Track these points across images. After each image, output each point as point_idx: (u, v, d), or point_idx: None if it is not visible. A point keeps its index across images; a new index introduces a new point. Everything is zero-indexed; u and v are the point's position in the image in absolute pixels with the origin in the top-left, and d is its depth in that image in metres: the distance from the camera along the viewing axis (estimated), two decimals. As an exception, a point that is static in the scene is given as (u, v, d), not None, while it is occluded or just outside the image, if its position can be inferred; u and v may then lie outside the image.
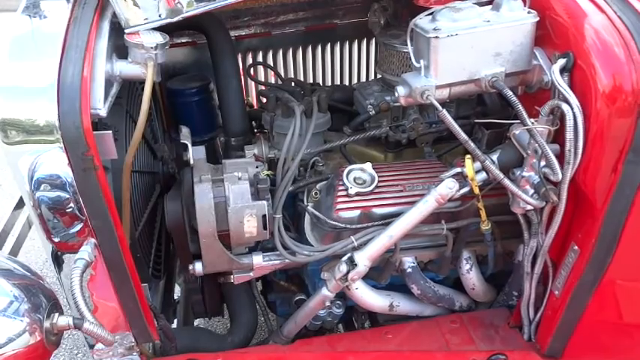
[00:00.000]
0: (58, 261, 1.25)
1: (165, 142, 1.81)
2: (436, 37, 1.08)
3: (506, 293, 1.56)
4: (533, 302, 1.39)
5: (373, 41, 2.26)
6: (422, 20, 1.13)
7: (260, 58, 2.11)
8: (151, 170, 1.49)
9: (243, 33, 2.04)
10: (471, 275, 1.49)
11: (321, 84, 2.19)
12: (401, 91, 1.16)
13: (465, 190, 1.24)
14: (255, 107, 2.15)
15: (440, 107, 1.10)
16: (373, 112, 1.51)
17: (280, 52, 2.13)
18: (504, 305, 1.58)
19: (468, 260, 1.48)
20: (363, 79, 2.33)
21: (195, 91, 1.79)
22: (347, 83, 2.30)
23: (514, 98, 1.09)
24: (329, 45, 2.19)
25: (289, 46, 2.13)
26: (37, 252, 3.05)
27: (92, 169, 1.04)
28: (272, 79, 2.17)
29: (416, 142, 1.56)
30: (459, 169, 1.23)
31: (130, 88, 1.39)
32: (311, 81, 2.21)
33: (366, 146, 1.64)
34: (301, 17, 2.07)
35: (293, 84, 1.64)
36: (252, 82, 2.16)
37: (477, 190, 1.21)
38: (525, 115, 1.08)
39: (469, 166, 1.18)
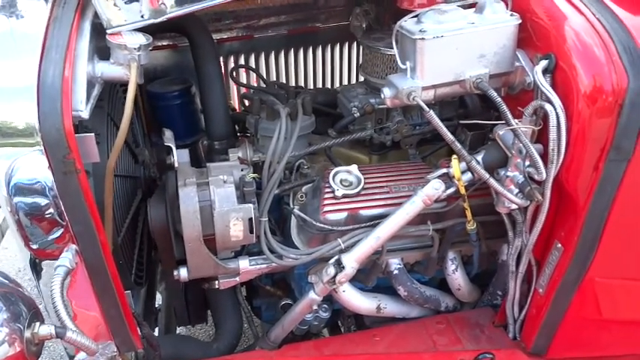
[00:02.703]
0: (36, 269, 1.21)
1: (146, 146, 1.77)
2: (422, 38, 1.09)
3: (490, 293, 1.58)
4: (518, 301, 1.40)
5: (355, 45, 2.27)
6: (407, 22, 1.14)
7: (242, 62, 2.09)
8: (132, 175, 1.46)
9: (225, 36, 2.02)
10: (457, 276, 1.50)
11: (304, 87, 2.19)
12: (387, 92, 1.17)
13: (451, 190, 1.25)
14: (238, 110, 2.13)
15: (427, 108, 1.11)
16: (358, 114, 1.51)
17: (262, 56, 2.12)
18: (489, 305, 1.59)
19: (454, 261, 1.49)
20: (345, 82, 2.34)
21: (176, 94, 1.77)
22: (329, 86, 2.30)
23: (498, 99, 1.10)
24: (311, 48, 2.19)
25: (271, 50, 2.13)
26: (9, 262, 2.96)
27: (73, 172, 1.01)
28: (254, 83, 2.16)
29: (400, 144, 1.57)
30: (444, 170, 1.24)
31: (110, 91, 1.36)
32: (294, 84, 2.20)
33: (351, 148, 1.64)
34: (283, 20, 2.07)
35: (277, 87, 1.63)
36: (234, 86, 2.15)
37: (463, 190, 1.22)
38: (510, 116, 1.10)
39: (455, 167, 1.19)
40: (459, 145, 1.14)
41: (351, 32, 1.93)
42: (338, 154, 1.63)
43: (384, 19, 1.96)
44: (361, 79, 2.37)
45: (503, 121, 1.17)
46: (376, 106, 1.53)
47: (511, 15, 1.15)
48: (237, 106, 2.17)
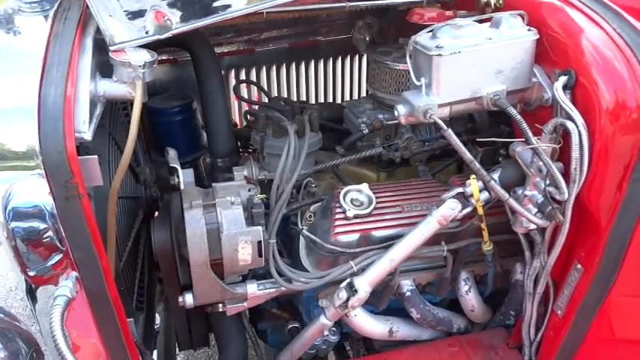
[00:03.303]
0: (32, 295, 1.15)
1: (146, 164, 1.72)
2: (439, 54, 1.05)
3: (503, 313, 1.53)
4: (535, 322, 1.36)
5: (357, 58, 2.24)
6: (422, 38, 1.11)
7: (243, 76, 2.05)
8: (133, 195, 1.40)
9: (226, 50, 1.98)
10: (470, 297, 1.45)
11: (307, 101, 2.15)
12: (401, 109, 1.13)
13: (468, 210, 1.21)
14: (239, 126, 2.08)
15: (445, 126, 1.07)
16: (366, 130, 1.47)
17: (264, 69, 2.08)
18: (501, 325, 1.55)
19: (467, 281, 1.45)
20: (347, 96, 2.30)
21: (177, 110, 1.72)
22: (331, 100, 2.27)
23: (518, 117, 1.07)
24: (313, 62, 2.16)
25: (273, 63, 2.09)
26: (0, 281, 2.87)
27: (76, 197, 0.96)
28: (255, 98, 2.12)
29: (409, 160, 1.52)
30: (460, 189, 1.20)
31: (112, 109, 1.31)
32: (295, 98, 2.16)
33: (358, 165, 1.60)
34: (285, 34, 2.03)
35: (281, 102, 1.59)
36: (235, 100, 2.10)
37: (481, 211, 1.17)
38: (531, 134, 1.06)
39: (474, 187, 1.14)
40: (477, 165, 1.10)
41: (353, 45, 1.90)
42: (345, 171, 1.58)
43: (387, 32, 1.93)
44: (362, 92, 2.39)
45: (521, 139, 1.13)
46: (385, 122, 1.49)
47: (528, 30, 1.11)
48: (238, 122, 2.13)
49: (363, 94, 2.31)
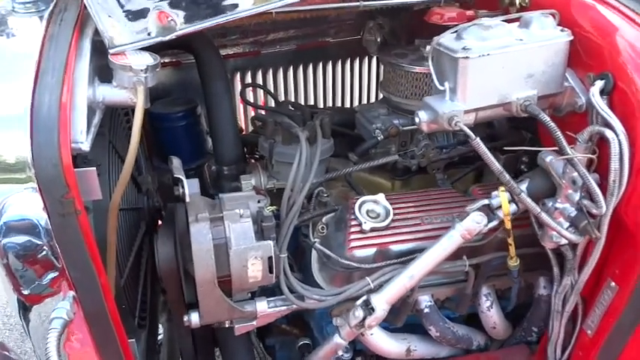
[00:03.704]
0: (26, 315, 1.07)
1: (148, 172, 1.64)
2: (466, 57, 0.97)
3: (524, 329, 1.45)
4: (562, 341, 1.28)
5: (367, 60, 2.16)
6: (446, 39, 1.02)
7: (248, 79, 1.97)
8: (135, 206, 1.32)
9: (231, 52, 1.90)
10: (492, 313, 1.37)
11: (315, 105, 2.07)
12: (423, 116, 1.05)
13: (494, 224, 1.12)
14: (245, 131, 2.01)
15: (473, 135, 0.99)
16: (381, 137, 1.39)
17: (270, 72, 2.00)
18: (522, 341, 1.47)
19: (488, 297, 1.36)
20: (357, 99, 2.22)
21: (181, 115, 1.64)
22: (340, 104, 2.19)
23: (552, 124, 0.99)
24: (321, 64, 2.08)
25: (279, 66, 2.01)
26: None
27: (73, 214, 0.88)
28: (261, 102, 2.04)
29: (426, 168, 1.44)
30: (485, 201, 1.12)
31: (112, 116, 1.23)
32: (302, 102, 2.09)
33: (372, 173, 1.52)
34: (292, 35, 1.95)
35: (291, 107, 1.51)
36: (240, 104, 2.02)
37: (509, 225, 1.09)
38: (565, 144, 0.98)
39: (504, 200, 1.06)
40: (507, 176, 1.02)
41: (363, 47, 1.82)
42: (357, 179, 1.50)
43: (399, 33, 1.85)
44: (371, 96, 2.31)
45: (551, 148, 1.05)
46: (401, 128, 1.41)
47: (561, 30, 1.03)
48: (243, 126, 2.05)
49: (373, 97, 2.24)
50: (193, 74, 1.55)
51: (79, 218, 0.89)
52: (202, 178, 1.72)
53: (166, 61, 1.78)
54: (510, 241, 1.14)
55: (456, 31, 1.03)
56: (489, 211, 1.13)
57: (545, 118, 0.99)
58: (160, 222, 1.54)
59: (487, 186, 1.36)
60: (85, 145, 0.91)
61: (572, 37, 1.03)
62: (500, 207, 1.10)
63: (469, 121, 1.04)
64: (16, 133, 0.87)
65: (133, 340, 1.18)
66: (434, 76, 1.05)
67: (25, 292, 1.04)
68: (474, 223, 1.11)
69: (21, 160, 0.86)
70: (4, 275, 0.99)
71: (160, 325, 1.89)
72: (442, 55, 1.03)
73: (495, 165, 1.01)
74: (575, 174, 1.01)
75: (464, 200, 1.30)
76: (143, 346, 1.51)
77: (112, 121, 1.21)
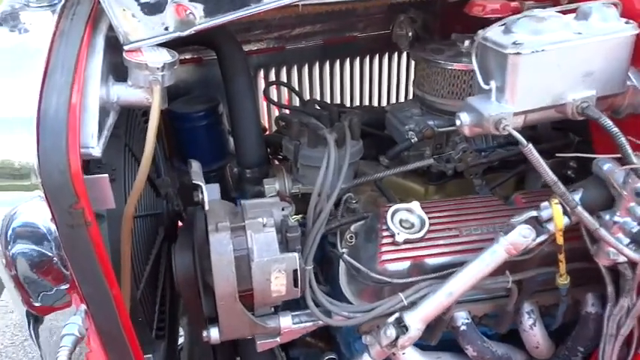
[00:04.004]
0: (36, 328, 1.01)
1: (168, 173, 1.57)
2: (517, 53, 0.86)
3: (569, 348, 1.32)
4: (614, 366, 1.16)
5: (396, 56, 2.05)
6: (493, 33, 0.92)
7: (272, 76, 1.89)
8: (153, 212, 1.25)
9: (254, 48, 1.82)
10: (535, 332, 1.26)
11: (342, 104, 1.97)
12: (465, 118, 0.94)
13: (542, 238, 1.01)
14: (268, 130, 1.92)
15: (524, 141, 0.88)
16: (415, 139, 1.29)
17: (295, 69, 1.91)
18: (566, 361, 1.35)
19: (531, 314, 1.25)
20: (385, 97, 2.11)
21: (202, 114, 1.57)
22: (368, 102, 2.08)
23: (615, 129, 0.87)
24: (348, 60, 1.98)
25: (305, 62, 1.92)
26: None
27: (82, 225, 0.81)
28: (285, 100, 1.96)
29: (464, 173, 1.34)
30: (534, 213, 1.01)
31: (129, 116, 1.16)
32: (328, 100, 1.99)
33: (404, 177, 1.42)
34: (318, 30, 1.86)
35: (317, 106, 1.42)
36: (264, 102, 1.94)
37: (561, 241, 0.98)
38: (630, 151, 0.86)
39: (557, 214, 0.95)
40: (562, 187, 0.91)
41: (392, 42, 1.72)
42: (388, 184, 1.40)
43: (432, 27, 1.74)
44: (400, 93, 2.20)
45: (611, 155, 0.94)
46: (436, 130, 1.30)
47: (626, 23, 0.91)
48: (266, 125, 1.97)
49: (402, 96, 2.13)
50: (215, 71, 1.48)
51: (89, 230, 0.82)
52: (224, 180, 1.65)
53: (187, 57, 1.71)
54: (561, 257, 1.03)
55: (504, 24, 0.92)
56: (537, 223, 1.02)
57: (608, 122, 0.87)
58: (180, 225, 1.48)
59: (531, 194, 1.25)
60: (96, 150, 0.84)
61: (638, 31, 0.91)
62: (550, 219, 0.99)
63: (517, 124, 0.94)
64: (23, 137, 0.80)
65: (150, 355, 1.11)
66: (478, 75, 0.94)
67: (36, 304, 0.99)
68: (521, 237, 1.00)
69: (27, 166, 0.80)
70: (12, 287, 0.93)
71: (180, 328, 1.84)
72: (488, 51, 0.92)
73: (549, 175, 0.90)
74: (639, 185, 0.89)
75: (506, 210, 1.19)
76: (163, 354, 1.45)
77: (129, 121, 1.15)
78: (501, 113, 0.89)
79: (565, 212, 0.98)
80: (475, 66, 0.95)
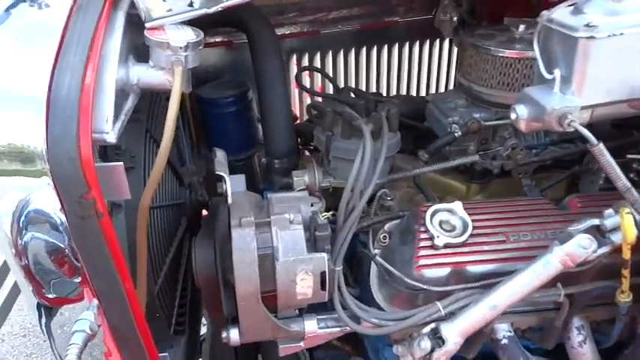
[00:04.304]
0: (48, 323, 0.96)
1: (194, 161, 1.50)
2: (590, 37, 0.74)
3: (622, 367, 1.20)
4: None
5: (438, 43, 1.92)
6: (561, 14, 0.80)
7: (306, 62, 1.79)
8: (175, 202, 1.19)
9: (288, 32, 1.73)
10: (585, 350, 1.14)
11: (379, 93, 1.86)
12: (522, 112, 0.83)
13: (604, 251, 0.89)
14: (299, 119, 1.84)
15: (594, 139, 0.77)
16: (459, 133, 1.17)
17: (330, 55, 1.81)
18: (616, 382, 1.22)
19: (581, 330, 1.13)
20: (424, 87, 1.99)
21: (231, 100, 1.49)
22: (405, 92, 1.97)
23: None
24: (386, 47, 1.86)
25: (340, 48, 1.82)
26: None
27: (94, 217, 0.74)
28: (318, 88, 1.86)
29: (511, 172, 1.22)
30: (596, 221, 0.89)
31: (151, 100, 1.09)
32: (364, 89, 1.89)
33: (443, 174, 1.31)
34: (356, 14, 1.76)
35: (353, 95, 1.32)
36: (295, 89, 1.85)
37: (628, 255, 0.86)
38: None
39: (628, 225, 0.83)
40: (636, 195, 0.79)
41: (434, 28, 1.60)
42: (426, 180, 1.30)
43: (480, 11, 1.61)
44: (441, 83, 2.07)
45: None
46: (483, 124, 1.18)
47: None
48: (297, 113, 1.88)
49: (442, 86, 2.00)
50: (246, 55, 1.40)
51: (100, 221, 0.75)
52: (252, 170, 1.58)
53: (217, 40, 1.64)
54: (625, 273, 0.91)
55: (573, 4, 0.80)
56: (599, 233, 0.90)
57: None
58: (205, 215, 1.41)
59: (588, 198, 1.12)
60: (111, 136, 0.77)
61: None
62: (615, 229, 0.87)
63: (584, 119, 0.82)
64: (33, 119, 0.74)
65: (166, 354, 1.05)
66: (539, 62, 0.83)
67: (50, 296, 0.94)
68: (580, 248, 0.88)
69: (35, 151, 0.73)
70: (22, 279, 0.88)
71: (204, 318, 1.79)
72: (554, 35, 0.80)
73: (622, 180, 0.78)
74: None
75: (560, 215, 1.07)
76: (182, 350, 1.39)
77: (152, 105, 1.08)
78: (566, 107, 0.78)
79: (636, 223, 0.86)
80: (537, 52, 0.83)
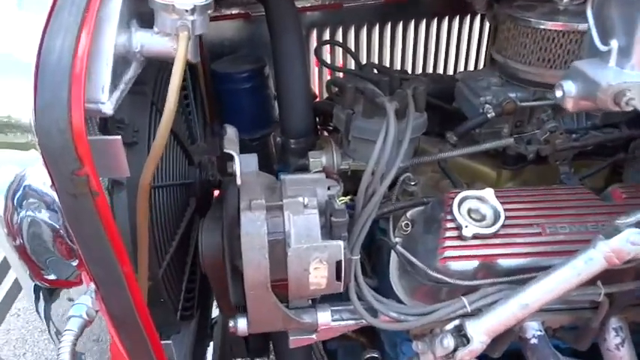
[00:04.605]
0: (47, 308, 0.91)
1: (207, 139, 1.43)
2: (657, -1, 0.63)
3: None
4: None
5: (469, 17, 1.80)
6: (620, -26, 0.69)
7: (327, 37, 1.70)
8: (183, 182, 1.12)
9: (308, 4, 1.63)
10: (623, 353, 1.04)
11: (405, 71, 1.76)
12: (570, 88, 0.73)
13: (657, 247, 0.79)
14: (318, 97, 1.75)
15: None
16: (492, 114, 1.07)
17: (352, 30, 1.71)
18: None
19: (619, 332, 1.03)
20: (452, 65, 1.87)
21: (246, 75, 1.42)
22: (431, 70, 1.86)
23: None
24: (413, 21, 1.75)
25: (363, 23, 1.71)
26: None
27: (87, 195, 0.67)
28: (340, 65, 1.77)
29: (548, 158, 1.11)
30: (647, 214, 0.79)
31: (159, 71, 1.01)
32: (387, 66, 1.78)
33: (472, 159, 1.21)
34: (381, -14, 1.65)
35: (377, 71, 1.22)
36: (315, 67, 1.76)
37: (685, 253, 0.76)
38: None
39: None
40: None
41: (465, 2, 1.48)
42: (453, 165, 1.20)
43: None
44: (470, 61, 1.95)
45: None
46: (519, 104, 1.08)
47: None
48: (317, 92, 1.79)
49: (472, 65, 1.88)
50: (264, 29, 1.31)
51: (95, 201, 0.68)
52: (267, 150, 1.51)
53: (234, 12, 1.55)
54: (680, 273, 0.81)
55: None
56: (650, 228, 0.80)
57: None
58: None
59: (634, 188, 1.02)
60: (107, 106, 0.69)
61: None
62: (669, 225, 0.77)
63: (640, 97, 0.71)
64: (22, 85, 0.67)
65: (170, 341, 1.00)
66: (593, 31, 0.72)
67: (50, 277, 0.88)
68: (628, 244, 0.78)
69: (23, 121, 0.67)
70: (17, 261, 0.83)
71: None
72: (611, 1, 0.69)
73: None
74: None
75: (603, 206, 0.97)
76: (191, 335, 1.34)
77: (159, 78, 1.00)
78: (624, 82, 0.67)
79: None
80: (590, 19, 0.73)
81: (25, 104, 0.66)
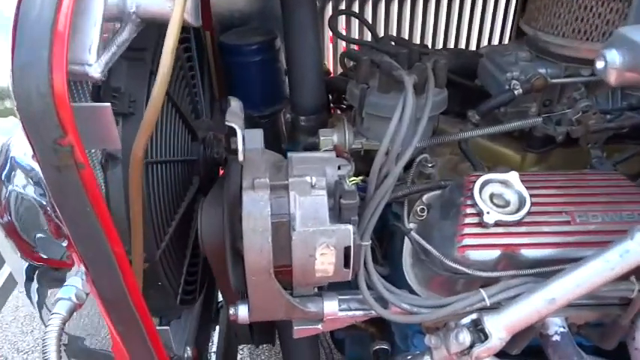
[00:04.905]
0: (41, 291, 0.86)
1: (214, 115, 1.37)
2: None
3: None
4: None
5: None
6: None
7: (342, 8, 1.61)
8: (185, 159, 1.06)
9: (324, -26, 1.55)
10: (653, 353, 0.96)
11: (425, 45, 1.66)
12: (614, 58, 0.64)
13: None
14: (332, 74, 1.67)
15: None
16: (520, 90, 0.98)
17: (370, 2, 1.61)
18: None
19: (650, 330, 0.96)
20: (474, 41, 1.77)
21: (255, 48, 1.34)
22: (452, 45, 1.76)
23: None
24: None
25: (382, -6, 1.62)
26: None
27: (72, 167, 0.61)
28: (356, 37, 1.68)
29: (580, 140, 1.02)
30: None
31: (159, 37, 0.94)
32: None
33: (494, 140, 1.13)
34: (400, -46, 1.55)
35: (394, 44, 1.14)
36: (330, 41, 1.68)
37: None
38: None
39: None
40: None
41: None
42: (474, 146, 1.12)
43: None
44: (494, 36, 1.85)
45: None
46: (549, 81, 0.99)
47: None
48: (331, 68, 1.71)
49: (496, 39, 1.77)
50: (276, 1, 1.23)
51: (81, 174, 0.62)
52: (277, 128, 1.44)
53: (245, -19, 1.47)
54: None
55: None
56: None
57: None
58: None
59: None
60: (95, 69, 0.63)
61: None
62: None
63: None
64: (1, 45, 0.61)
65: (167, 328, 0.94)
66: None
67: (44, 255, 0.84)
68: (672, 236, 0.70)
69: (2, 85, 0.60)
70: (5, 241, 0.78)
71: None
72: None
73: None
74: None
75: (639, 194, 0.88)
76: (195, 318, 1.29)
77: (159, 45, 0.93)
78: (681, 50, 0.58)
79: None
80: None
81: (4, 65, 0.60)
